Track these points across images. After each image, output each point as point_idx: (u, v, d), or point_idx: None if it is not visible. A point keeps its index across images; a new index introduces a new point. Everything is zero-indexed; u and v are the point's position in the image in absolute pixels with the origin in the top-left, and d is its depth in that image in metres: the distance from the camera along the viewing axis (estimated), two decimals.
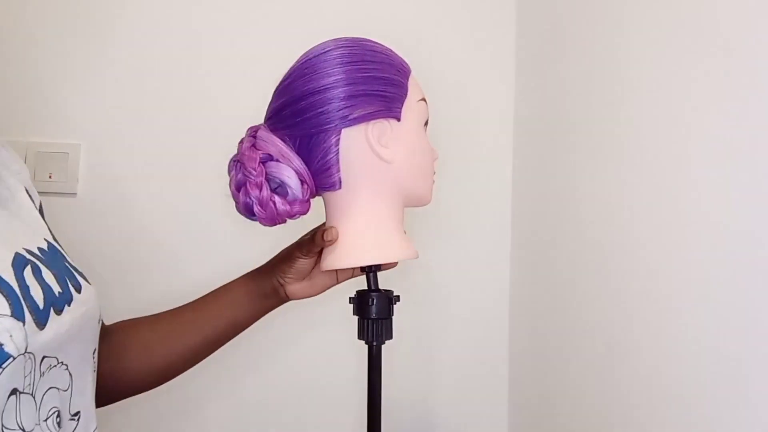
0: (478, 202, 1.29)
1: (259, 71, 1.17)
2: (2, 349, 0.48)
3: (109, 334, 0.74)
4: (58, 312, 0.55)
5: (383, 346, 0.75)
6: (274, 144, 0.71)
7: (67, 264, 0.62)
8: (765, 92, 0.67)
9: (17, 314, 0.50)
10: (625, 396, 0.89)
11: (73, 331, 0.57)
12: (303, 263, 0.78)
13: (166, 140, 1.19)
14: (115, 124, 1.18)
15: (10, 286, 0.51)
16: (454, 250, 1.27)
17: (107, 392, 0.70)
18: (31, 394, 0.52)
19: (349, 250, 0.72)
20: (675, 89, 0.81)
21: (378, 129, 0.70)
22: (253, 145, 0.71)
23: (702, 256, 0.75)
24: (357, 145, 0.70)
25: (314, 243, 0.75)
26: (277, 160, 0.70)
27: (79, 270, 0.64)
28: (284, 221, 0.72)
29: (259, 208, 0.69)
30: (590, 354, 0.99)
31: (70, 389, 0.58)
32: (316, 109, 0.69)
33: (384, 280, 0.76)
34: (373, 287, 0.75)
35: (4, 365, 0.48)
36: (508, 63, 1.30)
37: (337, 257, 0.73)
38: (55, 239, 0.66)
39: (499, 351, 1.28)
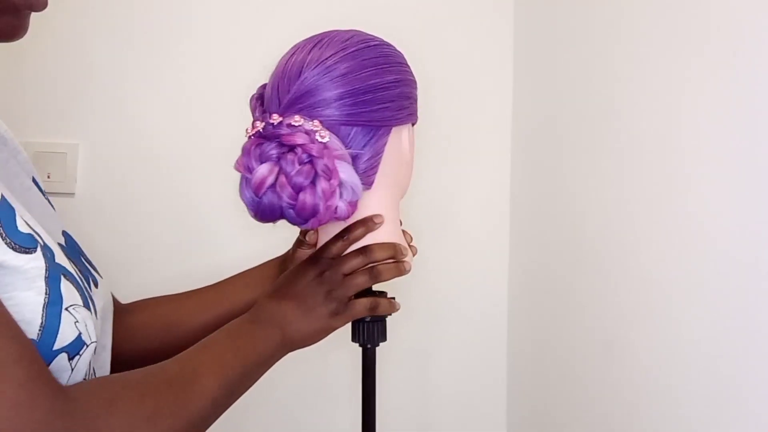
0: (476, 203, 1.28)
1: (257, 71, 1.17)
2: (80, 338, 0.50)
3: (128, 313, 0.73)
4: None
5: (380, 350, 0.74)
6: (333, 139, 0.63)
7: (83, 259, 0.62)
8: (765, 92, 0.66)
9: (87, 304, 0.52)
10: (624, 397, 0.89)
11: (98, 324, 0.57)
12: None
13: (165, 140, 1.18)
14: (113, 124, 1.17)
15: (75, 277, 0.51)
16: (452, 251, 1.26)
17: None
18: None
19: None
20: (673, 89, 0.81)
21: (410, 131, 0.72)
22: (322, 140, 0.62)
23: (700, 257, 0.75)
24: (395, 145, 0.70)
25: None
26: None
27: (93, 264, 0.64)
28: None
29: (324, 210, 0.62)
30: (589, 355, 0.99)
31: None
32: (382, 103, 0.66)
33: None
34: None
35: (81, 352, 0.50)
36: (506, 63, 1.29)
37: None
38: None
39: (498, 353, 1.27)
